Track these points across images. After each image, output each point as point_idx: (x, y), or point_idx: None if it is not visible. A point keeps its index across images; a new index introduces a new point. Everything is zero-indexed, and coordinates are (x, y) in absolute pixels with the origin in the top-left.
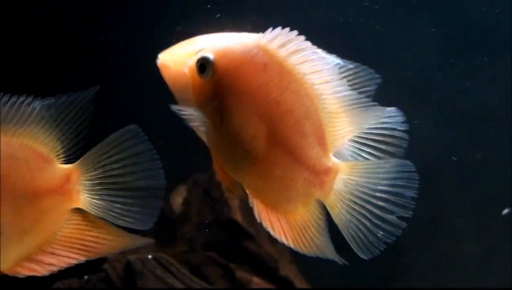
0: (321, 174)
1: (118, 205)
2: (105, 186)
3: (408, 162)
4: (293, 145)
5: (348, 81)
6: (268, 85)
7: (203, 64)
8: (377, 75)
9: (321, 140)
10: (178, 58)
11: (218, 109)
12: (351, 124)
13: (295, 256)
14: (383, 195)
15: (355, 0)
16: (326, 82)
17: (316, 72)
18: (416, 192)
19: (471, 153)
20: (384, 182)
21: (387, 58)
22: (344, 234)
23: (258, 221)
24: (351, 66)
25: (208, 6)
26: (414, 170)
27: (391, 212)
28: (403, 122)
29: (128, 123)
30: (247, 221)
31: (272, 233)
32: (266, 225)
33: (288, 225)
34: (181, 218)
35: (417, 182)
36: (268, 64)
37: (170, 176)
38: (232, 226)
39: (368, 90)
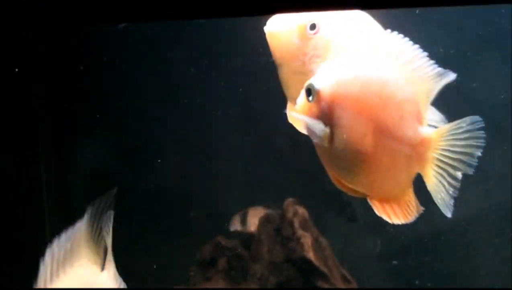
0: (418, 146)
1: None
2: None
3: (478, 118)
4: (396, 129)
5: None
6: (369, 84)
7: (309, 89)
8: None
9: (418, 116)
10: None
11: (327, 125)
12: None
13: None
14: (459, 156)
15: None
16: (419, 65)
17: (411, 60)
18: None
19: None
20: (461, 142)
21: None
22: (433, 195)
23: (379, 215)
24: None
25: None
26: (483, 126)
27: (459, 169)
28: None
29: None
30: (320, 259)
31: (390, 221)
32: (386, 218)
33: (400, 208)
34: (253, 256)
35: (483, 140)
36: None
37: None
38: (304, 264)
39: None
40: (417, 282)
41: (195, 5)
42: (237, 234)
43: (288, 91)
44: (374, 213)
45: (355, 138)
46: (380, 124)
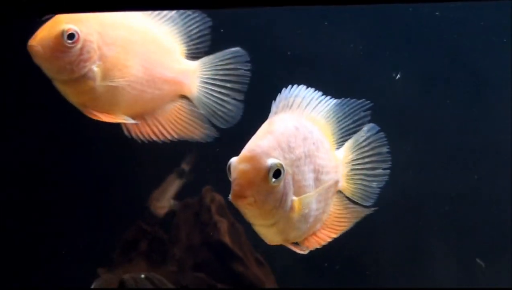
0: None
1: None
2: None
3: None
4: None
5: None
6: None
7: (279, 170)
8: (366, 102)
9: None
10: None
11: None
12: None
13: (280, 279)
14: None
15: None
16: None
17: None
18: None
19: (453, 184)
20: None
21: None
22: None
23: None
24: (343, 101)
25: None
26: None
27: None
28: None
29: None
30: (235, 243)
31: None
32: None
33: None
34: (172, 239)
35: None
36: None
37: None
38: (220, 248)
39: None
40: (326, 265)
41: None
42: (157, 218)
43: (73, 101)
44: None
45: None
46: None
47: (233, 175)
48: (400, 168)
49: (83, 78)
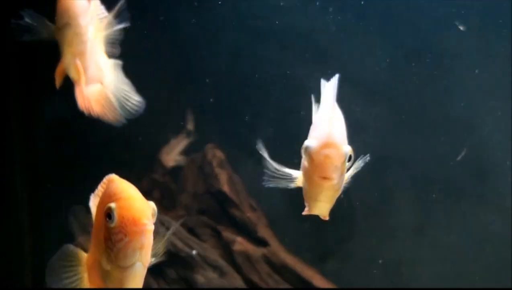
0: None
1: None
2: None
3: None
4: None
5: None
6: None
7: (350, 155)
8: None
9: None
10: None
11: None
12: None
13: (271, 221)
14: None
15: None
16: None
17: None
18: None
19: (412, 143)
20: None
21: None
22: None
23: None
24: None
25: None
26: None
27: None
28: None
29: None
30: (233, 192)
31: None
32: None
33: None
34: (180, 189)
35: None
36: None
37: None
38: (221, 196)
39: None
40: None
41: None
42: (166, 169)
43: (66, 50)
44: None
45: None
46: None
47: (319, 159)
48: (372, 130)
49: (85, 36)
